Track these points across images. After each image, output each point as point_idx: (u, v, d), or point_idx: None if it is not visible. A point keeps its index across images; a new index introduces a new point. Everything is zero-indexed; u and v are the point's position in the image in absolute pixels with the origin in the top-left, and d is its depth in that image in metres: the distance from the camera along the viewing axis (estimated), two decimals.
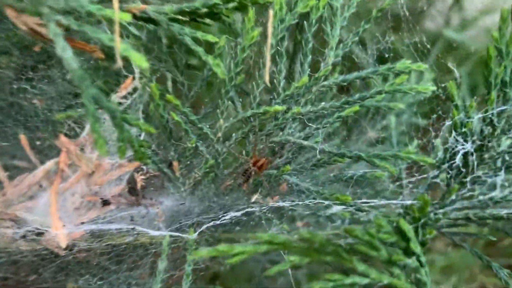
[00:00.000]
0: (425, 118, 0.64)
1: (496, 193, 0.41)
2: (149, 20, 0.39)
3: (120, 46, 0.33)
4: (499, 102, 0.44)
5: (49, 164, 0.48)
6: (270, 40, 0.40)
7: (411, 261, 0.36)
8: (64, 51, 0.33)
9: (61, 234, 0.47)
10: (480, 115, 0.43)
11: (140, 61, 0.33)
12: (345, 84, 0.46)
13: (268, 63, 0.40)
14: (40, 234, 0.48)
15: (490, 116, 0.43)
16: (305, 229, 0.35)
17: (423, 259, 0.37)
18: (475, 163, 0.40)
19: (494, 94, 0.43)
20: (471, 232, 0.57)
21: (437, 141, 0.44)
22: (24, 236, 0.47)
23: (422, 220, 0.36)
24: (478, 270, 1.16)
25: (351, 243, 0.36)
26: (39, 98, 0.47)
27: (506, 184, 0.49)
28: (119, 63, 0.32)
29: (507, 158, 0.41)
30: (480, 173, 0.40)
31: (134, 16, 0.39)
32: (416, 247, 0.36)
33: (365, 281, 0.36)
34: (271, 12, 0.40)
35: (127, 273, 0.48)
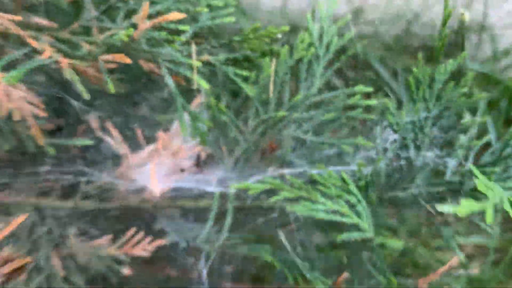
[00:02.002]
0: None
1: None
2: (211, 63, 0.72)
3: (196, 78, 0.66)
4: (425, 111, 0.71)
5: (152, 146, 0.82)
6: (273, 78, 0.71)
7: (350, 198, 0.64)
8: (169, 81, 0.67)
9: (156, 188, 0.80)
10: (408, 119, 0.70)
11: (204, 84, 0.65)
12: (326, 99, 0.75)
13: (271, 91, 0.71)
14: (143, 189, 0.82)
15: (416, 119, 0.70)
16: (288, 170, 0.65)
17: (359, 197, 0.65)
18: (397, 145, 0.68)
19: (418, 105, 0.71)
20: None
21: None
22: (135, 190, 0.81)
23: (358, 175, 0.64)
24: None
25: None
26: (147, 107, 0.82)
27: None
28: (195, 85, 0.65)
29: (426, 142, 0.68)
30: (398, 151, 0.68)
31: (202, 62, 0.72)
32: (353, 188, 0.64)
33: (324, 207, 0.64)
34: (273, 63, 0.72)
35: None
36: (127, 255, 0.83)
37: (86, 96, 0.61)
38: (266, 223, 0.86)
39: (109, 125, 0.78)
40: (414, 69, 0.70)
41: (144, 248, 0.83)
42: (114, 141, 0.78)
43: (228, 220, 0.77)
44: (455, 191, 0.77)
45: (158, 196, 0.80)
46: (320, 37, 0.75)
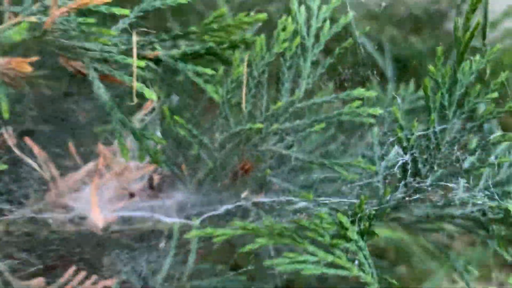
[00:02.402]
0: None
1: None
2: (161, 61, 0.53)
3: (137, 85, 0.47)
4: (441, 121, 0.55)
5: (90, 165, 0.63)
6: (245, 80, 0.53)
7: (350, 245, 0.48)
8: (99, 89, 0.48)
9: (99, 218, 0.62)
10: (421, 132, 0.53)
11: (150, 95, 0.47)
12: (315, 106, 0.58)
13: (243, 93, 0.53)
14: (83, 218, 0.64)
15: (431, 133, 0.54)
16: (268, 219, 0.48)
17: (361, 244, 0.49)
18: (409, 171, 0.51)
19: (433, 116, 0.54)
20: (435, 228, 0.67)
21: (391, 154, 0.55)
22: (71, 220, 0.63)
23: (359, 215, 0.48)
24: (497, 269, 1.22)
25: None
26: (82, 114, 0.63)
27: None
28: (135, 99, 0.46)
29: (435, 168, 0.52)
30: (411, 179, 0.51)
31: (150, 59, 0.53)
32: (353, 235, 0.48)
33: (315, 258, 0.48)
34: (246, 57, 0.53)
35: (147, 250, 0.63)
36: None
37: None
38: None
39: (29, 141, 0.59)
40: (431, 68, 0.53)
41: None
42: (38, 161, 0.59)
43: (191, 261, 0.61)
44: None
45: (100, 229, 0.63)
46: (308, 22, 0.57)
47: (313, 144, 0.73)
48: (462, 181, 0.53)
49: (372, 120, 0.58)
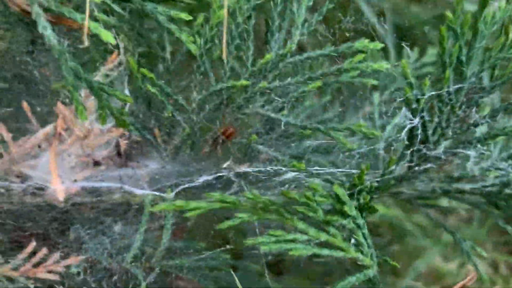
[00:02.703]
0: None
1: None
2: (124, 0, 0.44)
3: (91, 25, 0.38)
4: (456, 80, 0.46)
5: (48, 128, 0.54)
6: (226, 23, 0.44)
7: (347, 222, 0.40)
8: (45, 29, 0.38)
9: (59, 189, 0.54)
10: (433, 92, 0.45)
11: (107, 37, 0.38)
12: (310, 61, 0.49)
13: (224, 42, 0.44)
14: (41, 189, 0.55)
15: (444, 93, 0.45)
16: (249, 192, 0.40)
17: (359, 221, 0.41)
18: (419, 137, 0.43)
19: (448, 72, 0.46)
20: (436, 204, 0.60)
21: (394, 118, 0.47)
22: (27, 190, 0.55)
23: (359, 187, 0.40)
24: (490, 247, 1.17)
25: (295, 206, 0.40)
26: (39, 68, 0.54)
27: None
28: (86, 42, 0.37)
29: (450, 134, 0.44)
30: (421, 146, 0.43)
31: None
32: (351, 210, 0.40)
33: (305, 237, 0.40)
34: (226, 5, 0.44)
35: (113, 225, 0.55)
36: (28, 278, 0.58)
37: None
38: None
39: None
40: (449, 15, 0.44)
41: (51, 269, 0.58)
42: None
43: (165, 238, 0.53)
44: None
45: (61, 201, 0.54)
46: None
47: (305, 112, 0.65)
48: (479, 149, 0.45)
49: (374, 82, 0.49)
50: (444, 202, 0.68)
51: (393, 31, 0.98)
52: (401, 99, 0.45)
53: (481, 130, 0.50)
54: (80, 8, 0.43)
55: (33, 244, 0.57)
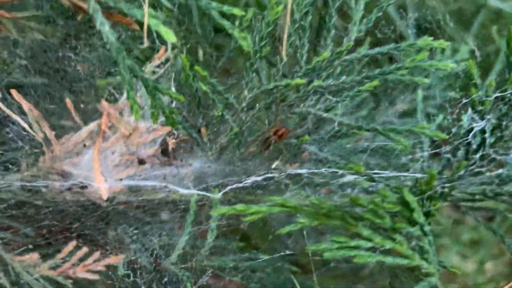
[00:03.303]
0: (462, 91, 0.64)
1: (503, 171, 0.42)
2: None
3: (151, 21, 0.37)
4: None
5: (92, 125, 0.53)
6: (288, 17, 0.42)
7: (414, 230, 0.39)
8: (103, 25, 0.37)
9: (103, 187, 0.53)
10: (498, 94, 0.43)
11: (168, 35, 0.36)
12: (367, 58, 0.47)
13: (285, 38, 0.43)
14: (84, 187, 0.54)
15: (508, 95, 0.43)
16: (315, 196, 0.38)
17: (426, 228, 0.39)
18: (488, 140, 0.41)
19: None
20: (488, 207, 0.58)
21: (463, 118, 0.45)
22: (69, 189, 0.53)
23: (428, 193, 0.38)
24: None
25: (358, 212, 0.39)
26: (82, 64, 0.52)
27: None
28: (146, 41, 0.36)
29: None
30: (491, 151, 0.41)
31: None
32: (419, 216, 0.38)
33: (369, 244, 0.39)
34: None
35: (159, 225, 0.54)
36: (67, 278, 0.58)
37: None
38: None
39: (17, 95, 0.48)
40: None
41: (90, 268, 0.57)
42: (28, 120, 0.49)
43: (210, 238, 0.52)
44: None
45: (105, 200, 0.53)
46: None
47: (344, 108, 0.63)
48: None
49: (426, 80, 0.47)
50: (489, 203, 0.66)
51: (414, 26, 0.96)
52: (467, 100, 0.43)
53: None
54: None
55: (73, 243, 0.57)
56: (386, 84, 0.56)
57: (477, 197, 0.56)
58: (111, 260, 0.56)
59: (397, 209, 0.38)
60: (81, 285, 0.58)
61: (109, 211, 0.54)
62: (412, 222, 0.39)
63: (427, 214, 0.40)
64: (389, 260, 0.39)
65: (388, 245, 0.39)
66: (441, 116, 0.59)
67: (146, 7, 0.36)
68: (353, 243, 0.39)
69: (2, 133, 0.48)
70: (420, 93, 0.66)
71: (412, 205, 0.38)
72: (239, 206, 0.39)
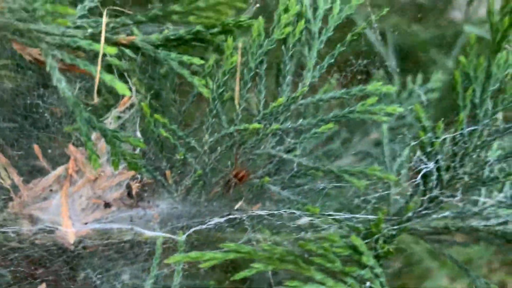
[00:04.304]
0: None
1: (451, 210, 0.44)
2: (138, 48, 0.44)
3: (106, 77, 0.38)
4: (469, 122, 0.46)
5: (60, 169, 0.54)
6: (239, 71, 0.44)
7: (365, 272, 0.40)
8: (59, 82, 0.39)
9: (70, 231, 0.54)
10: (448, 135, 0.45)
11: (122, 90, 0.38)
12: (321, 103, 0.49)
13: (237, 88, 0.45)
14: (51, 231, 0.55)
15: (458, 136, 0.45)
16: (266, 243, 0.39)
17: (377, 270, 0.40)
18: (435, 182, 0.43)
19: (462, 115, 0.45)
20: (447, 239, 0.59)
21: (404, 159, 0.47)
22: (37, 234, 0.54)
23: (376, 236, 0.40)
24: (497, 265, 1.16)
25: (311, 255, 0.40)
26: (54, 108, 0.54)
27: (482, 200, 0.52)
28: (95, 97, 0.37)
29: (466, 179, 0.44)
30: (437, 193, 0.43)
31: (124, 45, 0.44)
32: (368, 259, 0.39)
33: None
34: (241, 45, 0.44)
35: (125, 268, 0.54)
36: None
37: None
38: None
39: None
40: (462, 60, 0.45)
41: None
42: None
43: (176, 281, 0.52)
44: None
45: (72, 243, 0.54)
46: (315, 3, 0.48)
47: (312, 143, 0.65)
48: (494, 192, 0.44)
49: (385, 119, 0.49)
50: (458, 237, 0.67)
51: (395, 51, 0.99)
52: (415, 142, 0.45)
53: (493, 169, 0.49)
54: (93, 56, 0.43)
55: (43, 287, 0.57)
56: (348, 121, 0.57)
57: (440, 231, 0.58)
58: None
59: (346, 253, 0.39)
60: None
61: (76, 255, 0.55)
62: (362, 265, 0.40)
63: (378, 257, 0.41)
64: None
65: (340, 287, 0.39)
66: (405, 153, 0.61)
67: (99, 66, 0.38)
68: (306, 287, 0.39)
69: None
70: (385, 129, 0.68)
71: (361, 249, 0.39)
72: (194, 254, 0.39)
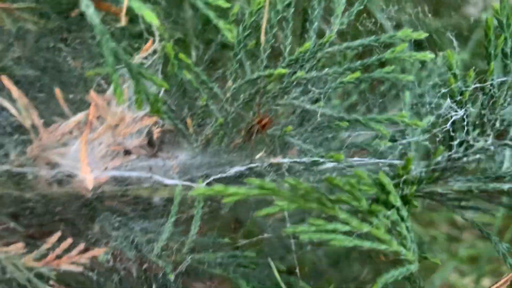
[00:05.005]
0: None
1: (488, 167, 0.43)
2: None
3: (133, 4, 0.38)
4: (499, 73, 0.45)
5: (80, 115, 0.54)
6: (267, 13, 0.44)
7: (391, 213, 0.39)
8: (88, 7, 0.38)
9: (88, 177, 0.53)
10: (478, 85, 0.44)
11: (150, 17, 0.37)
12: (349, 50, 0.48)
13: (263, 27, 0.44)
14: (70, 176, 0.55)
15: (488, 86, 0.44)
16: (291, 177, 0.39)
17: (403, 213, 0.39)
18: (466, 129, 0.42)
19: (493, 64, 0.44)
20: (473, 205, 0.58)
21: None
22: (56, 178, 0.54)
23: (405, 177, 0.39)
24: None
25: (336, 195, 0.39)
26: (75, 61, 0.53)
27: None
28: (123, 19, 0.37)
29: (497, 125, 0.42)
30: (469, 137, 0.42)
31: None
32: (396, 200, 0.39)
33: (346, 228, 0.39)
34: None
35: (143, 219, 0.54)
36: (51, 270, 0.57)
37: None
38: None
39: (7, 81, 0.49)
40: (495, 6, 0.43)
41: (74, 260, 0.57)
42: (17, 106, 0.50)
43: (194, 229, 0.52)
44: None
45: (90, 190, 0.54)
46: None
47: (335, 109, 0.63)
48: None
49: (410, 77, 0.48)
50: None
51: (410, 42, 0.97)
52: (445, 90, 0.44)
53: None
54: None
55: (58, 234, 0.57)
56: (372, 81, 0.56)
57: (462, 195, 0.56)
58: (95, 252, 0.56)
59: (373, 191, 0.38)
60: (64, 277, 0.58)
61: (95, 201, 0.55)
62: (389, 205, 0.39)
63: (404, 199, 0.40)
64: (366, 244, 0.39)
65: (365, 228, 0.39)
66: (428, 117, 0.59)
67: None
68: (330, 226, 0.39)
69: None
70: (407, 93, 0.67)
71: (388, 188, 0.38)
72: (217, 187, 0.39)
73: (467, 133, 0.43)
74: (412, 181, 0.38)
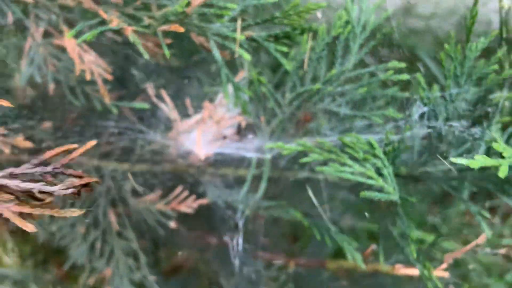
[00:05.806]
0: None
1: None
2: (254, 40, 0.80)
3: (239, 50, 0.74)
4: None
5: (199, 116, 0.91)
6: (308, 53, 0.78)
7: (376, 161, 0.69)
8: (215, 51, 0.75)
9: (201, 152, 0.89)
10: (439, 94, 0.74)
11: (246, 56, 0.73)
12: (360, 74, 0.80)
13: (306, 63, 0.78)
14: (189, 152, 0.91)
15: (445, 94, 0.74)
16: (320, 138, 0.71)
17: (386, 162, 0.70)
18: (427, 116, 0.72)
19: (449, 81, 0.74)
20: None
21: None
22: (181, 153, 0.91)
23: (384, 141, 0.69)
24: None
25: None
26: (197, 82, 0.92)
27: None
28: (237, 53, 0.73)
29: (446, 115, 0.72)
30: (425, 121, 0.72)
31: (246, 38, 0.80)
32: (379, 152, 0.69)
33: (351, 169, 0.70)
34: (310, 39, 0.78)
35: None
36: (173, 210, 0.93)
37: (146, 56, 0.70)
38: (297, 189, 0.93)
39: (163, 93, 0.88)
40: (446, 47, 0.74)
41: (189, 205, 0.92)
42: (167, 107, 0.89)
43: (263, 183, 0.85)
44: None
45: (202, 160, 0.89)
46: (359, 14, 0.81)
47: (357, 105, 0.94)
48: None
49: (406, 94, 0.79)
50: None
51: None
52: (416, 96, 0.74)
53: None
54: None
55: (180, 188, 0.92)
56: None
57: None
58: (203, 201, 0.91)
59: (366, 148, 0.69)
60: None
61: (202, 170, 0.90)
62: (376, 157, 0.69)
63: (388, 154, 0.70)
64: (362, 179, 0.69)
65: (362, 169, 0.69)
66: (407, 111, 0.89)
67: (237, 43, 0.74)
68: (342, 168, 0.70)
69: (154, 112, 0.87)
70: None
71: (375, 145, 0.69)
72: (279, 143, 0.72)
73: (427, 119, 0.73)
74: (390, 144, 0.69)
